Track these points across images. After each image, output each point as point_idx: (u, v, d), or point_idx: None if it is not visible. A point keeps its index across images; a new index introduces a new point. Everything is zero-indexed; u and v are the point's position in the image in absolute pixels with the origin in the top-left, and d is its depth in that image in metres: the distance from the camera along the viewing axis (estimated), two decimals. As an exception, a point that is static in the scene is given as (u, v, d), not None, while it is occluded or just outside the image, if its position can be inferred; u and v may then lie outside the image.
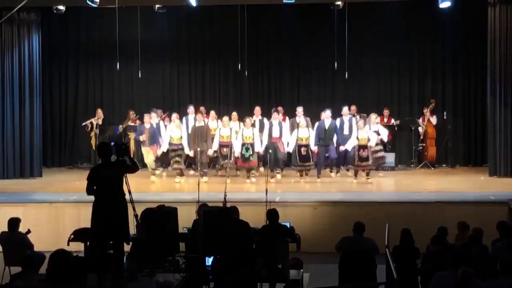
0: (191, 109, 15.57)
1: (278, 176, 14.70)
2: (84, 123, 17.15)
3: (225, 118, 14.71)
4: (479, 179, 14.73)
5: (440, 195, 12.55)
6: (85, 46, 18.39)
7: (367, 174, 14.43)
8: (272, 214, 8.70)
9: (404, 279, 7.62)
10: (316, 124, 14.64)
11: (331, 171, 14.95)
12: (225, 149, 14.40)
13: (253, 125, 14.67)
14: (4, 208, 12.10)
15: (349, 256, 8.31)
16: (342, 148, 14.37)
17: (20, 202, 12.59)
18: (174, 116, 15.08)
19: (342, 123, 15.07)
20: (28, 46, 16.07)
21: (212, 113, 15.56)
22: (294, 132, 14.49)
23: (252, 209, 10.72)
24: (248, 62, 16.22)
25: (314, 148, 14.32)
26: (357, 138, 14.18)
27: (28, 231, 9.58)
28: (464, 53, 17.40)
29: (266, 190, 10.87)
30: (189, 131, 14.87)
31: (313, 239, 11.15)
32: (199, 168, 14.04)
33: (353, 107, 16.15)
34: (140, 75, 16.26)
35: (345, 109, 15.29)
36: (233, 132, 14.45)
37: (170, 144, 14.69)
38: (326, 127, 14.45)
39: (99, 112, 16.64)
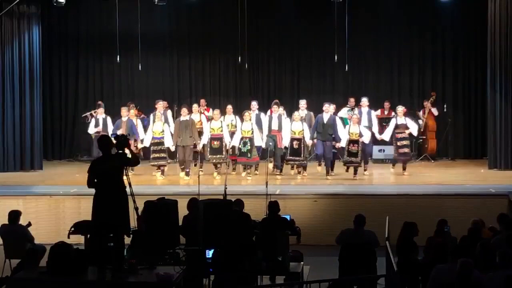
0: (160, 104, 14.91)
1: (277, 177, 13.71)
2: (84, 114, 17.12)
3: (216, 111, 14.19)
4: (479, 172, 14.73)
5: (441, 187, 12.55)
6: (85, 38, 18.35)
7: (355, 172, 13.63)
8: (272, 206, 8.70)
9: (404, 272, 7.63)
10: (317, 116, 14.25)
11: (319, 165, 13.99)
12: (215, 142, 13.80)
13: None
14: (4, 200, 12.14)
15: (349, 249, 8.30)
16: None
17: (21, 194, 12.60)
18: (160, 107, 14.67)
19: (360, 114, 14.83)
20: (28, 39, 16.04)
21: (195, 106, 15.02)
22: (288, 125, 13.86)
23: (252, 202, 10.73)
24: (248, 54, 16.19)
25: (308, 141, 13.76)
26: (349, 132, 13.61)
27: (29, 224, 9.59)
28: (464, 45, 17.38)
29: (267, 183, 10.87)
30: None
31: (313, 231, 11.17)
32: (183, 165, 13.76)
33: (352, 100, 16.19)
34: (140, 67, 16.25)
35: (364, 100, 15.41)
36: (224, 125, 13.95)
37: (153, 138, 14.04)
38: (325, 121, 13.77)
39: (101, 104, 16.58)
